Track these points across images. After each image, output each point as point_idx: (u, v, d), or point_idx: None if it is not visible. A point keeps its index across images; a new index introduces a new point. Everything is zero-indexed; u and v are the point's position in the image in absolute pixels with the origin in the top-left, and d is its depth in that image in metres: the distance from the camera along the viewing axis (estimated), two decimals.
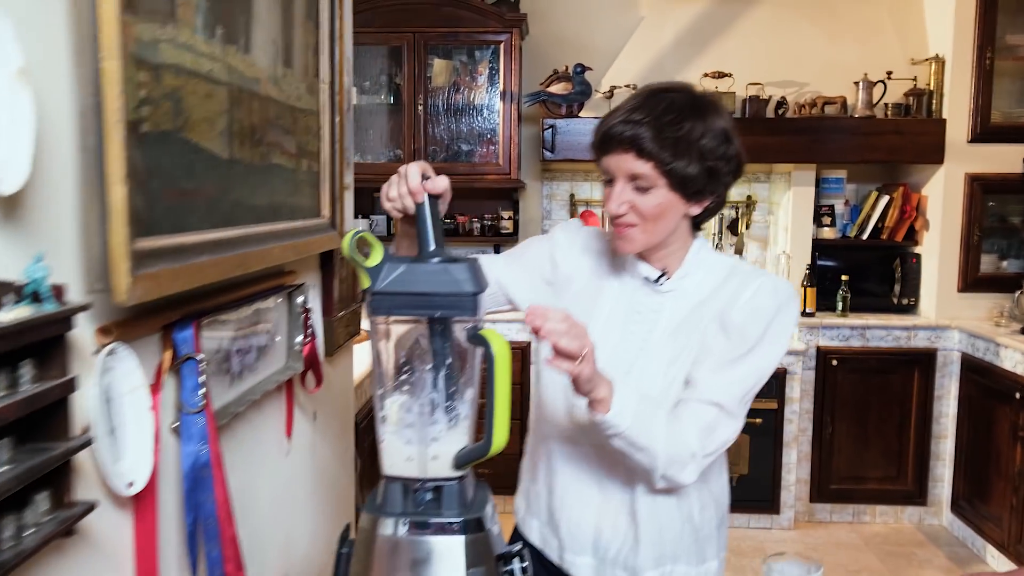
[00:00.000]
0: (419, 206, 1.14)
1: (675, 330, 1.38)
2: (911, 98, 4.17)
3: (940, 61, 4.13)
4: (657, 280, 1.39)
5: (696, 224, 1.41)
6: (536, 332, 1.13)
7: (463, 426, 1.08)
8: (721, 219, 4.45)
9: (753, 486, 3.92)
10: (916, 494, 4.08)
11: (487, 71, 4.20)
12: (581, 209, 4.51)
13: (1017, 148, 4.00)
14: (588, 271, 1.46)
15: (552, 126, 4.08)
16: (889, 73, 4.15)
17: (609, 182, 1.33)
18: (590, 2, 4.43)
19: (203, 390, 0.93)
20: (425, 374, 1.07)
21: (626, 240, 1.34)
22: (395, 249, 1.30)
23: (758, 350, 1.33)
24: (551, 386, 1.43)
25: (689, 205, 1.33)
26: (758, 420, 3.85)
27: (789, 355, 3.90)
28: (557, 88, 4.12)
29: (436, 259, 1.10)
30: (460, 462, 1.07)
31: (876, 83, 4.13)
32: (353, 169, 1.77)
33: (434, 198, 1.15)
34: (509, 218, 4.37)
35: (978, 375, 3.80)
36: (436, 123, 4.20)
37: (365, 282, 1.05)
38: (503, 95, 4.12)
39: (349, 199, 1.73)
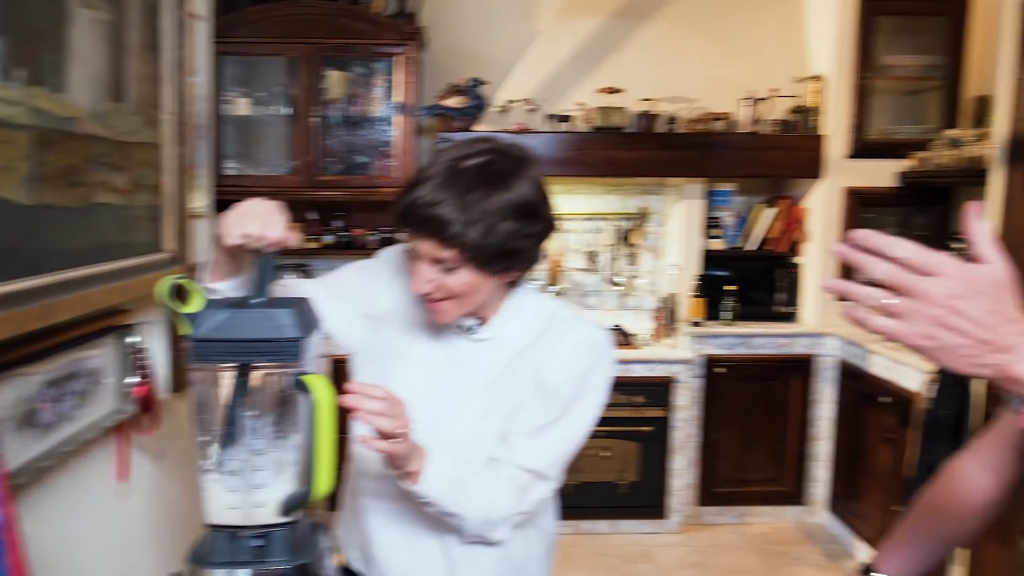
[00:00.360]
0: (267, 255, 1.13)
1: (491, 383, 1.37)
2: (794, 114, 4.34)
3: (821, 80, 4.31)
4: (470, 330, 1.39)
5: (513, 281, 1.39)
6: (352, 412, 1.14)
7: (289, 472, 1.10)
8: (616, 230, 4.55)
9: (642, 492, 4.03)
10: (796, 494, 4.26)
11: (383, 83, 4.19)
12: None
13: (891, 163, 4.21)
14: (404, 312, 1.43)
15: (447, 140, 4.10)
16: (774, 91, 4.31)
17: (416, 256, 1.30)
18: (489, 15, 4.47)
19: None
20: (247, 420, 1.08)
21: (439, 313, 1.33)
22: (210, 275, 1.24)
23: (573, 411, 1.35)
24: (363, 428, 1.36)
25: (497, 278, 1.32)
26: (647, 428, 3.96)
27: (677, 364, 4.02)
28: (453, 102, 4.14)
29: (260, 300, 1.10)
30: (285, 508, 1.08)
31: (761, 100, 4.29)
32: (213, 193, 1.76)
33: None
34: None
35: (852, 380, 4.00)
36: (332, 135, 4.17)
37: (184, 329, 1.05)
38: (400, 108, 4.12)
39: (203, 228, 1.71)
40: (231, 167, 4.16)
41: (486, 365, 1.39)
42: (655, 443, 4.02)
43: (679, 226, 4.41)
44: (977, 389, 2.96)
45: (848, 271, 4.20)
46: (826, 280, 0.92)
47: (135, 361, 1.28)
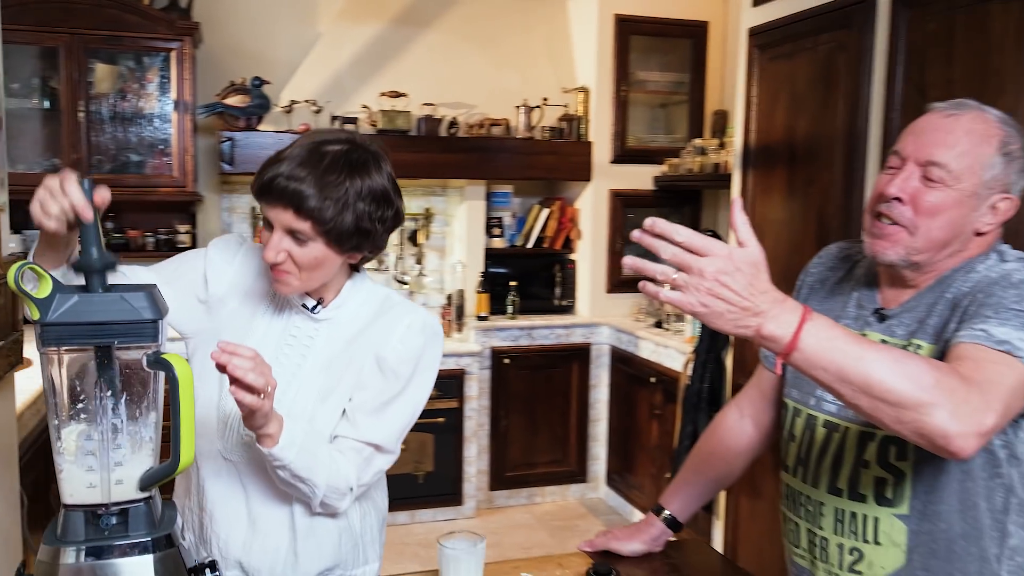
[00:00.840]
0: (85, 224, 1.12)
1: (328, 363, 1.44)
2: (564, 122, 4.69)
3: (586, 91, 4.69)
4: (313, 309, 1.46)
5: (355, 266, 1.48)
6: (222, 368, 1.18)
7: (147, 448, 1.12)
8: (402, 231, 4.67)
9: (438, 481, 4.19)
10: (578, 473, 4.61)
11: (158, 79, 4.02)
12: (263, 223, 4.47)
13: (649, 168, 4.68)
14: (243, 292, 1.47)
15: (231, 139, 4.02)
16: (545, 99, 4.63)
17: (270, 225, 1.35)
18: (267, 15, 4.41)
19: None
20: (105, 401, 1.09)
21: (283, 284, 1.38)
22: (34, 258, 1.23)
23: (410, 387, 1.45)
24: (203, 406, 1.43)
25: (345, 257, 1.39)
26: (441, 419, 4.12)
27: (466, 356, 4.22)
28: (235, 100, 4.07)
29: (103, 271, 1.10)
30: (147, 482, 1.11)
31: (534, 108, 4.60)
32: (6, 186, 1.67)
33: (95, 209, 1.12)
34: (187, 232, 4.22)
35: (624, 364, 4.40)
36: (101, 131, 3.94)
37: (35, 313, 1.05)
38: (176, 105, 3.98)
39: (4, 222, 1.63)
40: None
41: (324, 344, 1.45)
42: (449, 433, 4.19)
43: (462, 226, 4.61)
44: (728, 364, 3.40)
45: (617, 268, 4.62)
46: (626, 258, 1.12)
47: None
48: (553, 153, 4.59)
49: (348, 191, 1.33)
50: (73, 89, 3.82)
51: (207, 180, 4.35)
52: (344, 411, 1.45)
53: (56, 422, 1.08)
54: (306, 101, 4.21)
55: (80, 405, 1.09)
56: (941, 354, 1.22)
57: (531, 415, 4.47)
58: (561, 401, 4.54)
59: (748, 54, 3.30)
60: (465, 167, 4.41)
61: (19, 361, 1.71)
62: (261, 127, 4.15)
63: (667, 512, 1.59)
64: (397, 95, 4.31)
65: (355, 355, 1.45)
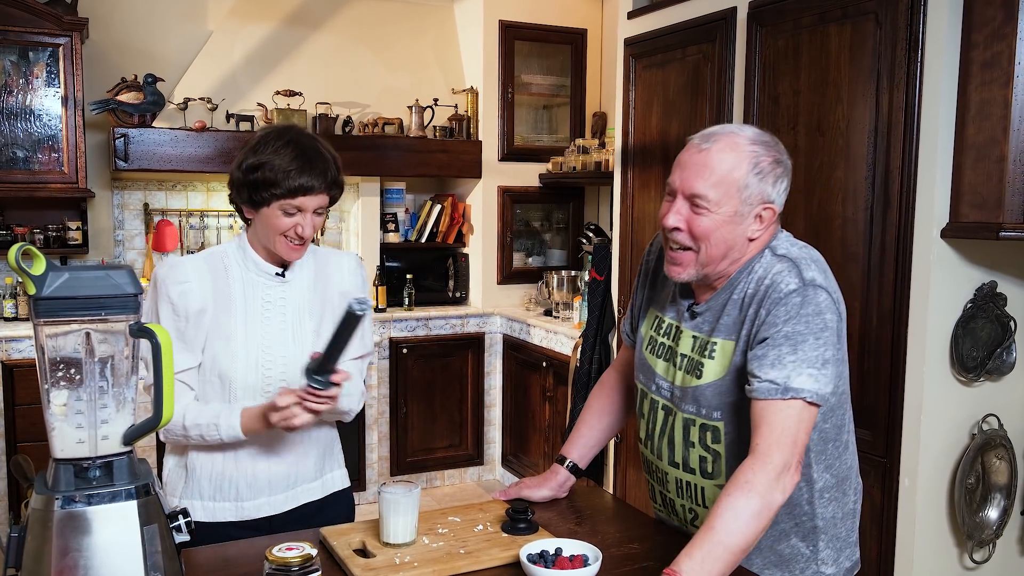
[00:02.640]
0: None
1: (308, 310, 1.80)
2: (454, 122, 4.89)
3: (474, 92, 4.91)
4: (280, 275, 1.79)
5: None
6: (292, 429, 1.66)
7: (130, 407, 1.27)
8: None
9: None
10: (475, 456, 4.84)
11: (44, 74, 3.98)
12: (157, 219, 4.48)
13: (535, 166, 4.94)
14: (211, 292, 1.74)
15: (124, 135, 4.02)
16: (436, 100, 4.82)
17: (292, 214, 1.69)
18: (154, 12, 4.41)
19: None
20: (92, 366, 1.24)
21: (299, 253, 1.76)
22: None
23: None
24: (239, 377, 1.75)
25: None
26: None
27: None
28: (128, 97, 4.07)
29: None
30: (130, 437, 1.26)
31: (426, 108, 4.78)
32: None
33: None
34: (77, 228, 4.18)
35: (516, 351, 4.66)
36: None
37: (31, 288, 1.19)
38: (65, 101, 3.95)
39: None
40: None
41: (294, 297, 1.80)
42: (351, 421, 4.31)
43: (358, 221, 4.75)
44: (613, 345, 3.70)
45: (507, 260, 4.85)
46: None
47: None
48: (444, 151, 4.79)
49: (333, 163, 1.79)
50: None
51: (97, 176, 4.32)
52: None
53: (47, 386, 1.22)
54: (201, 99, 4.25)
55: (70, 371, 1.23)
56: (739, 347, 1.49)
57: (429, 402, 4.67)
58: (457, 388, 4.76)
59: (625, 62, 3.59)
60: (360, 164, 4.54)
61: None
62: (155, 123, 4.16)
63: (569, 460, 1.83)
64: (292, 94, 4.40)
65: (323, 299, 1.82)
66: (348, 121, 4.60)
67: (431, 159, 4.75)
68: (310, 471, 1.85)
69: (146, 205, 4.48)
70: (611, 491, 3.68)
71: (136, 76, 4.15)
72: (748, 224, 1.50)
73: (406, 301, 4.71)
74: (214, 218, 4.62)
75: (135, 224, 4.48)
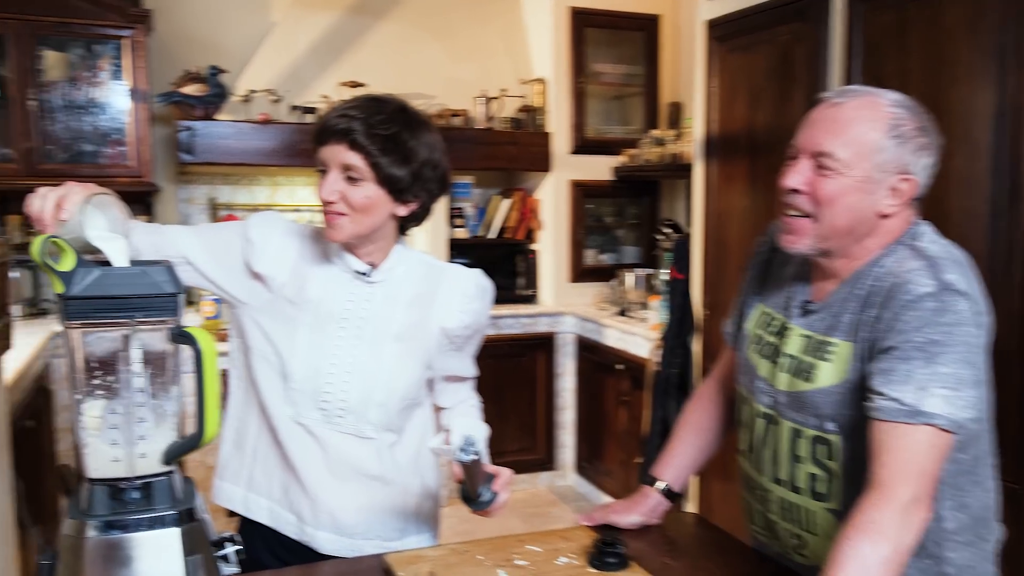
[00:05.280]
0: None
1: (398, 333, 1.53)
2: (523, 113, 4.71)
3: (543, 82, 4.73)
4: (367, 273, 1.52)
5: (402, 228, 1.54)
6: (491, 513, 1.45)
7: (171, 422, 1.12)
8: None
9: None
10: (547, 461, 4.65)
11: (110, 67, 3.93)
12: (224, 213, 4.41)
13: (607, 159, 4.73)
14: (291, 264, 1.52)
15: (190, 128, 3.95)
16: (503, 90, 4.65)
17: (323, 172, 1.43)
18: (218, 2, 4.34)
19: None
20: (128, 375, 1.08)
21: (335, 228, 1.44)
22: None
23: (478, 334, 1.64)
24: (266, 374, 1.52)
25: (395, 205, 1.45)
26: None
27: None
28: (192, 89, 3.99)
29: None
30: (171, 455, 1.10)
31: (493, 99, 4.61)
32: None
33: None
34: (147, 222, 4.12)
35: (589, 352, 4.46)
36: (53, 120, 3.83)
37: (58, 287, 1.04)
38: (132, 94, 3.89)
39: None
40: None
41: (382, 306, 1.53)
42: None
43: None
44: (696, 349, 3.47)
45: (578, 257, 4.66)
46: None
47: None
48: (513, 144, 4.62)
49: (400, 131, 1.41)
50: (22, 77, 3.71)
51: (163, 170, 4.27)
52: (422, 377, 1.57)
53: (79, 397, 1.07)
54: (265, 91, 4.16)
55: (103, 380, 1.07)
56: (857, 352, 1.26)
57: (499, 404, 4.49)
58: (528, 390, 4.58)
59: (706, 46, 3.36)
60: None
61: (9, 347, 1.67)
62: (219, 116, 4.09)
63: (662, 483, 1.63)
64: (356, 85, 4.27)
65: (420, 326, 1.54)
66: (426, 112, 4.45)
67: (499, 152, 4.58)
68: (390, 528, 1.58)
69: (212, 199, 4.41)
70: (695, 505, 3.45)
71: (200, 68, 4.07)
72: (880, 196, 1.28)
73: None
74: (279, 213, 4.52)
75: (201, 219, 4.42)
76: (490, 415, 4.37)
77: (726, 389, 1.65)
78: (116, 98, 3.91)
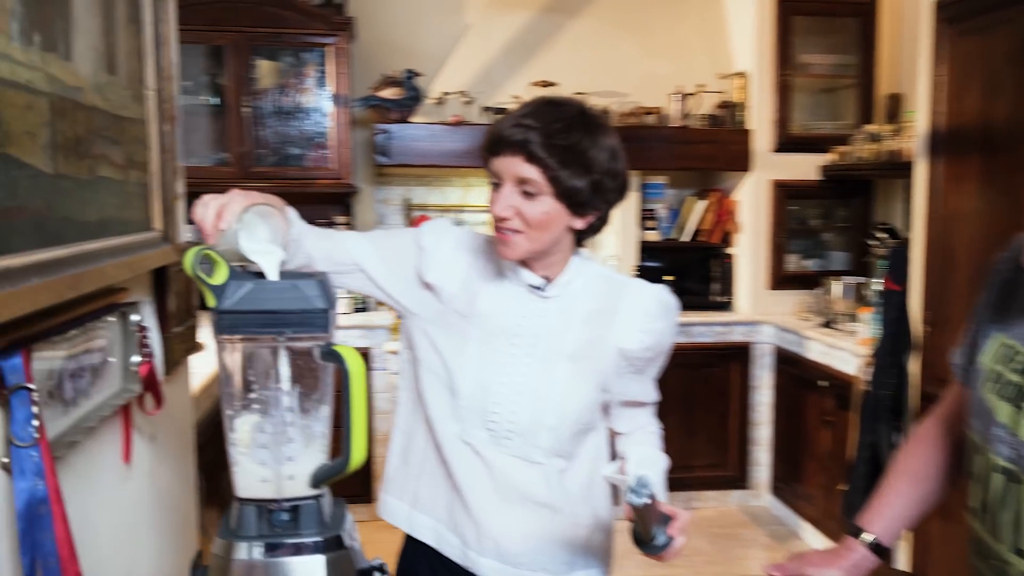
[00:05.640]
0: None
1: (572, 352, 1.41)
2: (721, 110, 4.46)
3: (744, 76, 4.45)
4: (541, 287, 1.41)
5: (579, 240, 1.43)
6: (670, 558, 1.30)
7: (319, 443, 1.06)
8: None
9: None
10: (739, 478, 4.38)
11: (315, 74, 4.11)
12: (417, 214, 4.51)
13: (814, 157, 4.37)
14: (462, 276, 1.44)
15: (386, 131, 4.06)
16: (700, 86, 4.42)
17: (496, 185, 1.33)
18: (416, 8, 4.44)
19: (36, 422, 0.85)
20: (277, 392, 1.04)
21: (508, 246, 1.34)
22: None
23: (659, 361, 1.50)
24: (433, 388, 1.44)
25: (574, 218, 1.34)
26: None
27: None
28: (388, 93, 4.10)
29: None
30: (318, 480, 1.05)
31: (689, 95, 4.40)
32: (184, 177, 1.69)
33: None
34: (344, 223, 4.30)
35: (789, 366, 4.14)
36: (264, 126, 4.06)
37: (210, 301, 1.01)
38: (334, 99, 4.05)
39: (181, 210, 1.65)
40: None
41: (556, 323, 1.42)
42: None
43: (615, 218, 4.46)
44: (913, 370, 3.11)
45: (779, 263, 4.35)
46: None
47: (139, 340, 1.21)
48: (710, 142, 4.38)
49: (580, 140, 1.29)
50: (238, 85, 3.96)
51: (362, 172, 4.42)
52: (597, 401, 1.45)
53: (230, 412, 1.04)
54: (457, 92, 4.20)
55: (253, 395, 1.04)
56: None
57: (688, 415, 4.28)
58: (720, 402, 4.32)
59: (933, 30, 3.00)
60: None
61: (195, 347, 1.73)
62: (414, 119, 4.17)
63: (869, 535, 1.40)
64: (548, 84, 4.22)
65: (596, 345, 1.41)
66: (605, 112, 4.33)
67: (694, 151, 4.36)
68: (557, 560, 1.46)
69: (406, 200, 4.51)
70: (906, 561, 3.08)
71: (397, 72, 4.17)
72: None
73: None
74: (470, 214, 4.57)
75: (396, 219, 4.54)
76: (678, 427, 4.23)
77: (952, 432, 1.39)
78: (320, 103, 4.09)
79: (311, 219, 4.60)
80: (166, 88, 1.36)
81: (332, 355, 1.02)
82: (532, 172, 1.28)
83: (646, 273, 4.42)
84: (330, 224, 4.27)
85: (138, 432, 1.33)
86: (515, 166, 1.29)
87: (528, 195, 1.30)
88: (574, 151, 1.28)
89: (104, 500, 1.20)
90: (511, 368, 1.41)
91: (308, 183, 4.08)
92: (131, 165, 1.23)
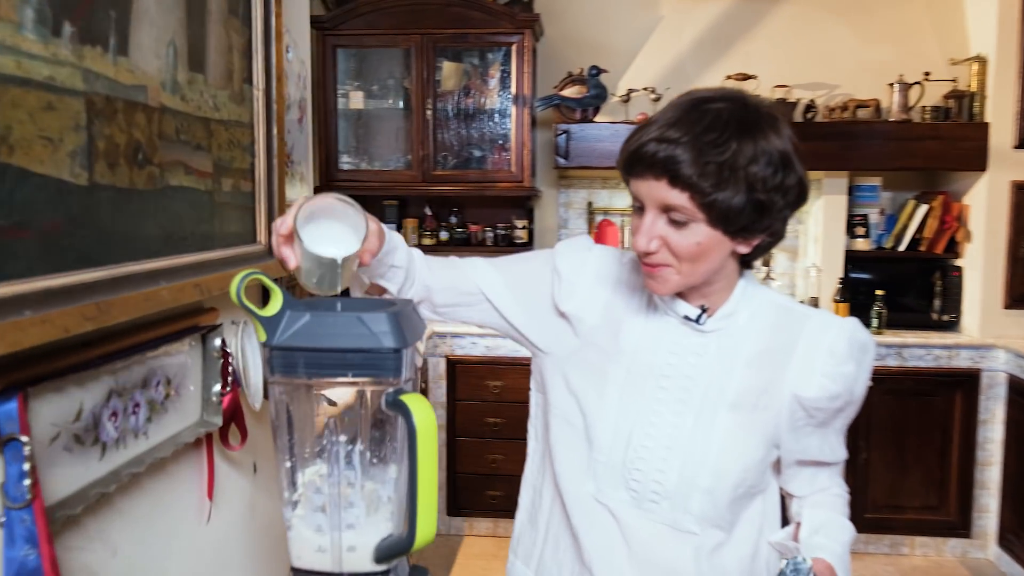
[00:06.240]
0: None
1: (720, 401, 1.17)
2: (951, 101, 3.90)
3: (982, 61, 3.86)
4: (697, 319, 1.17)
5: (745, 261, 1.18)
6: None
7: (385, 510, 0.89)
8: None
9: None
10: (960, 525, 3.78)
11: (499, 74, 4.01)
12: (600, 218, 4.30)
13: None
14: (603, 304, 1.22)
15: (566, 131, 3.88)
16: (927, 74, 3.88)
17: (639, 209, 1.10)
18: (607, 2, 4.23)
19: (28, 480, 0.74)
20: (339, 447, 0.88)
21: (658, 281, 1.12)
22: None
23: (850, 406, 1.20)
24: (566, 440, 1.23)
25: (735, 243, 1.10)
26: None
27: None
28: (571, 91, 3.91)
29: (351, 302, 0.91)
30: (381, 555, 0.87)
31: (912, 85, 3.87)
32: (311, 182, 1.59)
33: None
34: (524, 227, 4.17)
35: None
36: (446, 128, 4.02)
37: (261, 334, 0.86)
38: (515, 99, 3.93)
39: None
40: (346, 162, 4.08)
41: (715, 363, 1.18)
42: None
43: (818, 224, 4.03)
44: None
45: (1019, 278, 3.74)
46: None
47: (221, 367, 1.11)
48: (936, 138, 3.83)
49: (738, 153, 1.04)
50: (422, 88, 3.93)
51: (544, 175, 4.28)
52: (766, 459, 1.21)
53: (287, 464, 0.89)
54: (644, 89, 3.94)
55: (310, 448, 0.88)
56: None
57: (899, 449, 3.75)
58: (939, 436, 3.75)
59: None
60: (823, 157, 3.84)
61: None
62: (598, 118, 3.96)
63: None
64: (745, 77, 3.86)
65: (767, 392, 1.17)
66: (811, 106, 3.91)
67: (916, 148, 3.83)
68: None
69: (589, 204, 4.31)
70: None
71: (583, 70, 3.98)
72: None
73: (875, 322, 3.85)
74: None
75: (579, 224, 4.35)
76: (887, 462, 3.72)
77: None
78: (502, 104, 3.99)
79: (492, 223, 4.50)
80: (275, 88, 1.24)
81: (398, 405, 0.84)
82: (680, 198, 1.05)
83: (853, 286, 3.95)
84: (510, 229, 4.15)
85: (231, 464, 1.22)
86: (658, 191, 1.06)
87: (676, 223, 1.07)
88: (731, 168, 1.04)
89: (177, 543, 1.09)
90: (659, 417, 1.17)
91: (488, 186, 3.98)
92: (224, 172, 1.12)
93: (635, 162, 1.07)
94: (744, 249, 1.12)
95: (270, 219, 1.25)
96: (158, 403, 0.96)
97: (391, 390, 0.86)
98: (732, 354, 1.17)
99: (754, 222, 1.07)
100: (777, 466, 1.25)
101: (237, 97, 1.16)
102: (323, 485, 0.88)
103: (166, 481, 1.06)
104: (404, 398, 0.84)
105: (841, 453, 1.26)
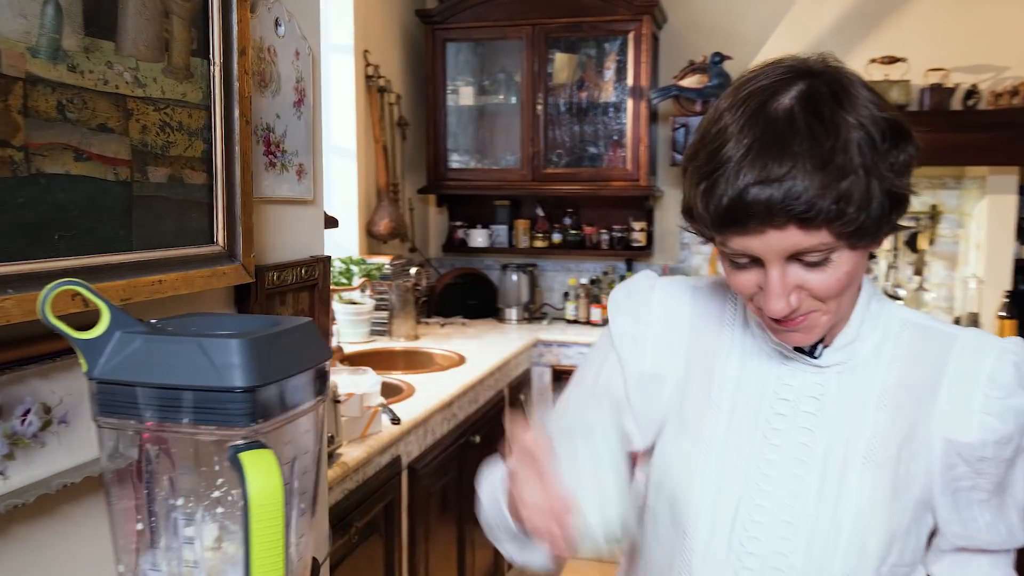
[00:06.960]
0: None
1: (852, 452, 0.90)
2: None
3: None
4: (812, 351, 0.92)
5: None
6: None
7: None
8: (896, 236, 3.73)
9: None
10: None
11: (615, 65, 3.76)
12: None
13: None
14: (684, 351, 0.99)
15: (684, 124, 3.57)
16: None
17: (740, 264, 0.86)
18: None
19: None
20: (173, 512, 0.68)
21: (803, 331, 0.88)
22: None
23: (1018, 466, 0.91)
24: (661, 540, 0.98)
25: (873, 246, 0.86)
26: None
27: None
28: (690, 81, 3.60)
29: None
30: None
31: None
32: (314, 180, 1.42)
33: None
34: (641, 230, 3.87)
35: None
36: (558, 124, 3.80)
37: (82, 363, 0.67)
38: (632, 91, 3.65)
39: (310, 219, 1.37)
40: (455, 160, 3.94)
41: (843, 406, 0.92)
42: None
43: (982, 228, 3.52)
44: None
45: None
46: None
47: None
48: None
49: (850, 147, 0.79)
50: (533, 82, 3.73)
51: (666, 173, 3.97)
52: (921, 533, 0.93)
53: (118, 536, 0.70)
54: None
55: (140, 517, 0.69)
56: None
57: None
58: None
59: None
60: (988, 150, 3.34)
61: None
62: None
63: None
64: (892, 60, 3.42)
65: (911, 438, 0.90)
66: (972, 92, 3.40)
67: None
68: None
69: None
70: None
71: (705, 57, 3.64)
72: None
73: None
74: None
75: None
76: None
77: None
78: (619, 97, 3.74)
79: (608, 225, 4.20)
80: (240, 62, 1.07)
81: (236, 463, 0.63)
82: (816, 238, 0.80)
83: (1022, 300, 3.40)
84: (627, 231, 3.87)
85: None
86: (784, 240, 0.81)
87: (812, 264, 0.83)
88: (855, 168, 0.79)
89: None
90: (773, 484, 0.92)
91: (602, 185, 3.73)
92: (151, 160, 0.95)
93: (739, 218, 0.80)
94: (877, 248, 0.88)
95: (229, 218, 1.07)
96: (25, 437, 0.81)
97: (240, 442, 0.65)
98: (860, 393, 0.92)
99: (888, 216, 0.83)
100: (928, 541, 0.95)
101: (179, 72, 1.00)
102: (160, 560, 0.69)
103: (55, 527, 0.89)
104: (244, 456, 0.63)
105: (1020, 535, 0.95)
